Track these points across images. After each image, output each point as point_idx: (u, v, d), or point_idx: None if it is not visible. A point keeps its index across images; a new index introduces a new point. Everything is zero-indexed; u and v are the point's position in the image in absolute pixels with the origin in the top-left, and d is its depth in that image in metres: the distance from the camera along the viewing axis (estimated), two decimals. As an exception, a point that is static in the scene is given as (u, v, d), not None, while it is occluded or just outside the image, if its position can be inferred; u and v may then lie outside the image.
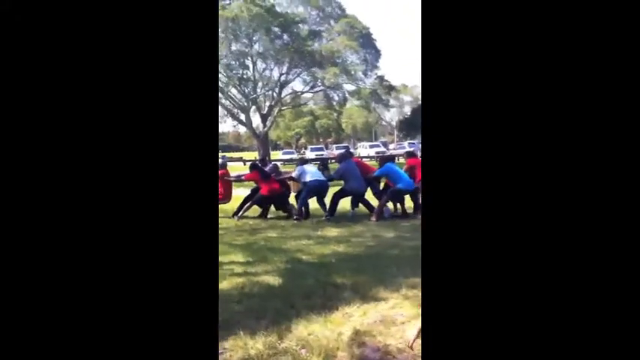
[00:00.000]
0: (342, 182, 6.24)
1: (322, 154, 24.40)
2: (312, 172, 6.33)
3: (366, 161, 8.81)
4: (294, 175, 6.45)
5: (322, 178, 6.29)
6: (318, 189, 6.11)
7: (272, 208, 6.56)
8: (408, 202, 6.23)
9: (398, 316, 2.47)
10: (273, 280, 3.30)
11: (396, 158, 12.43)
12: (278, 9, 21.77)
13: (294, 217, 6.04)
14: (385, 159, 6.68)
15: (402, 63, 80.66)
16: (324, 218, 5.99)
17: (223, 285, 3.10)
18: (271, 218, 6.31)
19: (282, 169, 11.71)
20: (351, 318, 2.53)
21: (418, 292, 2.86)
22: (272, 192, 6.16)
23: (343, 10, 23.73)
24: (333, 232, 5.21)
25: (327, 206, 6.08)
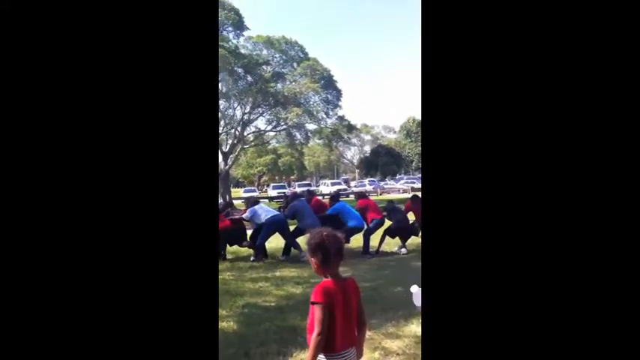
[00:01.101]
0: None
1: (284, 192, 24.46)
2: (265, 210, 6.22)
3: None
4: (245, 216, 6.30)
5: (277, 213, 6.25)
6: (278, 224, 6.05)
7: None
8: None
9: None
10: (228, 326, 3.24)
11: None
12: (242, 51, 22.28)
13: (252, 259, 5.96)
14: (335, 197, 6.81)
15: (363, 103, 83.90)
16: (282, 258, 5.95)
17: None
18: (230, 259, 6.19)
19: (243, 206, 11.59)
20: (305, 364, 2.52)
21: (373, 334, 2.90)
22: (224, 229, 5.99)
23: (305, 54, 24.66)
24: (291, 272, 5.19)
25: (290, 244, 6.05)
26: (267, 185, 37.04)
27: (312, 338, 1.50)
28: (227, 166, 24.72)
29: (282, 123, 24.38)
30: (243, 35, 22.82)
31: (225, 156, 24.22)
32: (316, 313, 1.51)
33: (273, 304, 3.84)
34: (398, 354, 2.61)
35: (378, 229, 6.26)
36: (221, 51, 20.02)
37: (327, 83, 24.15)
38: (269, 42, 23.55)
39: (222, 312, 3.59)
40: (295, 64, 24.36)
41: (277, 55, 24.22)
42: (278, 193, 24.31)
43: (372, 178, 35.31)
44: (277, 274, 5.16)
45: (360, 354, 1.66)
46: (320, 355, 1.53)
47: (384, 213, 6.46)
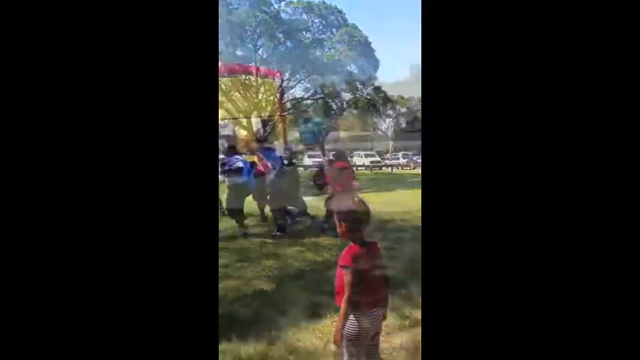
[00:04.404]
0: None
1: (319, 161, 24.55)
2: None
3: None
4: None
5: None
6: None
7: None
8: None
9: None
10: (266, 285, 3.39)
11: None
12: (283, 16, 21.97)
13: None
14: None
15: (400, 74, 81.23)
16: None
17: (217, 288, 3.18)
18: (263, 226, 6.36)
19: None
20: (339, 326, 2.62)
21: (407, 301, 2.95)
22: None
23: (345, 19, 23.97)
24: (326, 240, 5.29)
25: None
26: (303, 154, 37.21)
27: (343, 301, 1.57)
28: (266, 133, 24.98)
29: (319, 91, 24.14)
30: (284, 0, 22.43)
31: (264, 123, 24.45)
32: (345, 276, 1.57)
33: (308, 267, 3.97)
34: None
35: None
36: (262, 16, 19.86)
37: (365, 51, 23.49)
38: (309, 7, 23.01)
39: (260, 272, 3.75)
40: (334, 30, 23.78)
41: (317, 21, 23.69)
42: (313, 162, 24.43)
43: (405, 152, 34.66)
44: (313, 240, 5.28)
45: (384, 315, 1.72)
46: (350, 317, 1.60)
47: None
